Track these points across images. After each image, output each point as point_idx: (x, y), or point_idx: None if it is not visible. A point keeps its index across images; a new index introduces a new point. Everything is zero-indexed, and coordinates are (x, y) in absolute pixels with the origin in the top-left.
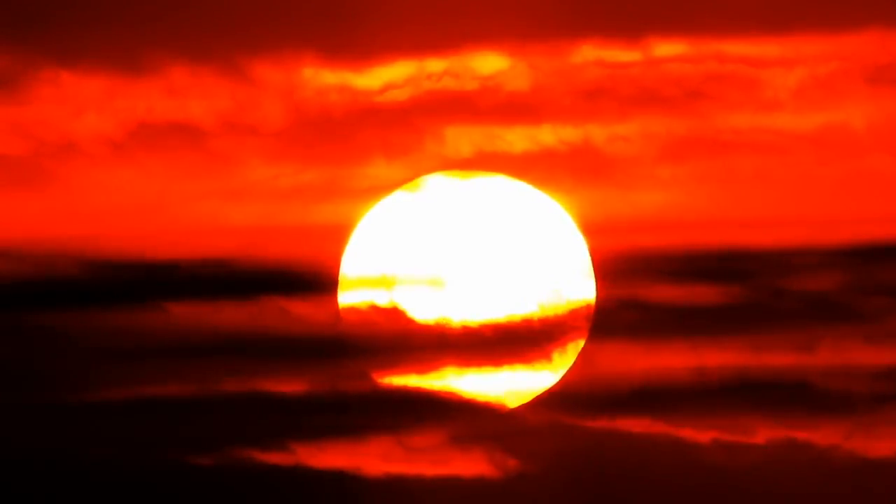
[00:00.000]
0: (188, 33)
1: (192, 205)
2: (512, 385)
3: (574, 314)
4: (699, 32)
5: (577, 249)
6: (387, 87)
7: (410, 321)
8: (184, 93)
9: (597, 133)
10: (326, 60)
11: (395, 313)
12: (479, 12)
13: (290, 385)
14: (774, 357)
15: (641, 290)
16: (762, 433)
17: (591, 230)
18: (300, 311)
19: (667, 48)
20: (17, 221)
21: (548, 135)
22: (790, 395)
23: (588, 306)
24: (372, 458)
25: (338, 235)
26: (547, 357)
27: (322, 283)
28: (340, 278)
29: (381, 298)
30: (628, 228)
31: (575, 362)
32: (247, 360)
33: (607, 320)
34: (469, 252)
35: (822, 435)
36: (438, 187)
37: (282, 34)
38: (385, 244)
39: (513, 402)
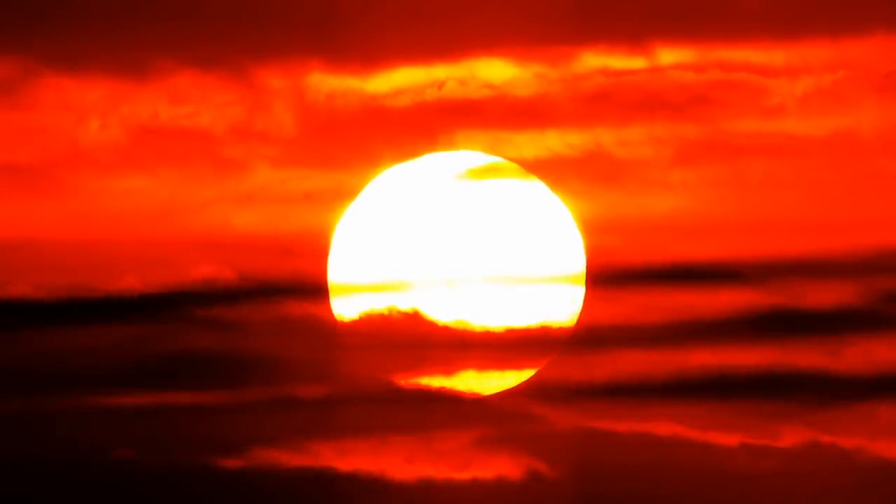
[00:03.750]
0: (195, 40)
1: (200, 210)
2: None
3: (593, 319)
4: (704, 39)
5: (578, 254)
6: (393, 93)
7: (430, 323)
8: (190, 99)
9: (603, 138)
10: (333, 66)
11: (414, 316)
12: (484, 19)
13: (314, 388)
14: (799, 361)
15: (657, 295)
16: (787, 436)
17: (601, 234)
18: (316, 314)
19: (672, 55)
20: (24, 227)
21: (555, 140)
22: (815, 397)
23: (610, 310)
24: (396, 460)
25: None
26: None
27: (337, 286)
28: (355, 281)
29: (400, 301)
30: (639, 232)
31: (600, 366)
32: (265, 363)
33: (630, 325)
34: (481, 255)
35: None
36: (448, 188)
37: (288, 40)
38: (397, 246)
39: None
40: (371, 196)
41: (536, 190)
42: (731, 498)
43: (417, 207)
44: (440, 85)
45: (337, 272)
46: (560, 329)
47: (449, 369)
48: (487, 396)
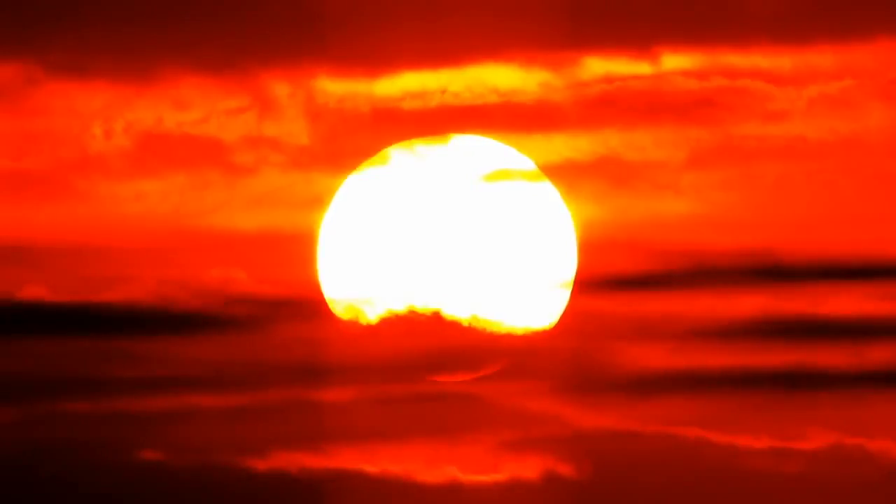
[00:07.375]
0: (201, 45)
1: (210, 215)
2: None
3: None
4: (710, 45)
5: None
6: (401, 97)
7: (451, 324)
8: (197, 104)
9: (611, 142)
10: (340, 71)
11: (435, 317)
12: (490, 25)
13: (337, 391)
14: (823, 363)
15: (674, 297)
16: (813, 439)
17: (612, 235)
18: (332, 318)
19: (677, 60)
20: (31, 232)
21: (562, 145)
22: (841, 400)
23: (627, 312)
24: (421, 462)
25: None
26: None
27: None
28: (370, 283)
29: (420, 302)
30: (652, 233)
31: (622, 368)
32: (286, 366)
33: (648, 327)
34: (497, 257)
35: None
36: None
37: (295, 45)
38: (414, 248)
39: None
40: (373, 190)
41: (547, 193)
42: (756, 500)
43: (426, 208)
44: (443, 90)
45: (347, 274)
46: (580, 331)
47: (471, 371)
48: (511, 398)
